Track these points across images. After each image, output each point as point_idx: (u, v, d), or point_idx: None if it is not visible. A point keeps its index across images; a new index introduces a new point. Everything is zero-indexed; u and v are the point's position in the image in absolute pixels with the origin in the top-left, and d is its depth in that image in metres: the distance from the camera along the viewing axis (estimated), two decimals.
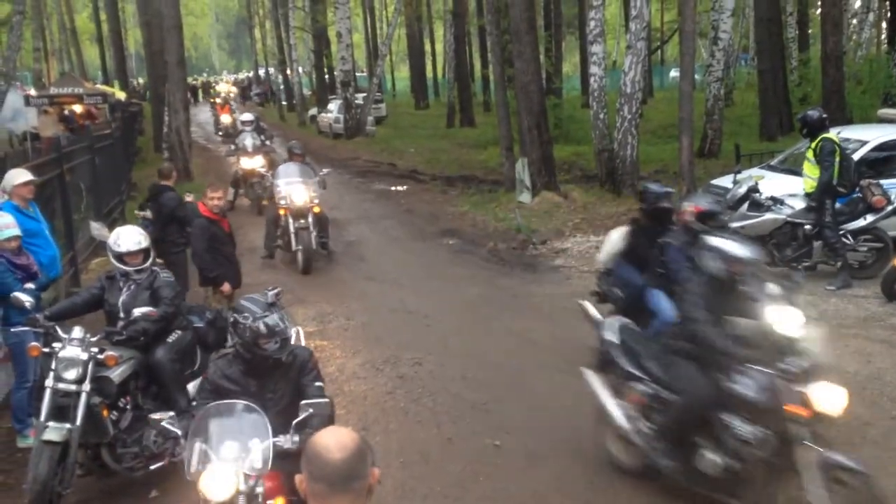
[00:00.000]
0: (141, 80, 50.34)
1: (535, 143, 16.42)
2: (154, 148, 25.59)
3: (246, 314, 4.55)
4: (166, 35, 20.40)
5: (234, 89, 47.04)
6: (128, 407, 5.66)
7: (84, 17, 54.81)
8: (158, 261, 6.39)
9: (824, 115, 10.36)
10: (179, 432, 4.40)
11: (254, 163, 16.49)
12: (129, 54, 56.55)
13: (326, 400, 4.47)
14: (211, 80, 58.60)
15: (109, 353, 5.52)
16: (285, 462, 4.09)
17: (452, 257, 12.99)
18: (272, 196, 13.16)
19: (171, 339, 5.97)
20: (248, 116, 18.43)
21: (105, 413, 5.43)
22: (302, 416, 4.28)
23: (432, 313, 9.86)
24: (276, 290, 4.80)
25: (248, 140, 16.96)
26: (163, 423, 4.43)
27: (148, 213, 9.75)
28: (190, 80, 48.41)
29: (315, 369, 4.74)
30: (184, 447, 4.28)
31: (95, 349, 5.46)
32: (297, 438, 4.18)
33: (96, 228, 10.01)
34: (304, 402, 4.34)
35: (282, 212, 11.89)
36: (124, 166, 18.98)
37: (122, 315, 5.90)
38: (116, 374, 5.53)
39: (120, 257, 6.01)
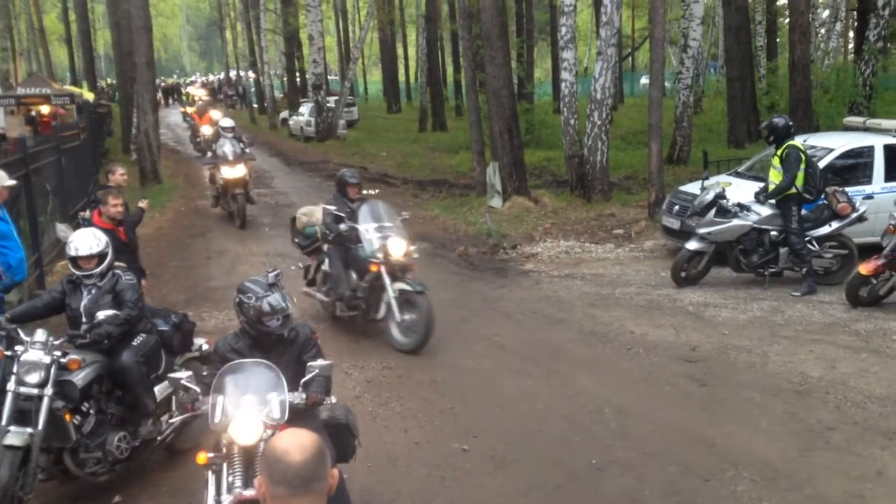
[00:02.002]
0: (110, 81, 49.85)
1: (507, 147, 16.47)
2: (122, 149, 25.39)
3: (250, 294, 4.90)
4: (135, 36, 20.21)
5: (201, 92, 46.51)
6: (91, 411, 5.58)
7: (53, 17, 54.10)
8: (120, 264, 6.29)
9: (790, 123, 10.50)
10: (199, 389, 4.68)
11: (235, 172, 15.35)
12: (99, 55, 56.04)
13: (329, 362, 4.90)
14: (181, 83, 57.90)
15: (73, 356, 5.44)
16: (294, 417, 4.49)
17: (423, 261, 12.78)
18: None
19: (136, 342, 5.92)
20: (228, 122, 16.99)
21: (68, 417, 5.36)
22: (308, 375, 4.73)
23: None
24: (276, 272, 5.06)
25: (229, 147, 15.66)
26: (182, 381, 4.72)
27: (87, 214, 9.42)
28: (160, 81, 48.09)
29: (316, 346, 5.09)
30: (203, 402, 4.60)
31: (58, 353, 5.39)
32: (304, 395, 4.60)
33: (62, 230, 9.86)
34: (309, 363, 4.83)
35: (373, 268, 8.68)
36: (92, 168, 18.78)
37: (84, 319, 5.83)
38: (79, 377, 5.45)
39: (75, 261, 5.93)
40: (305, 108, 32.41)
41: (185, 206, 18.28)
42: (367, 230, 8.77)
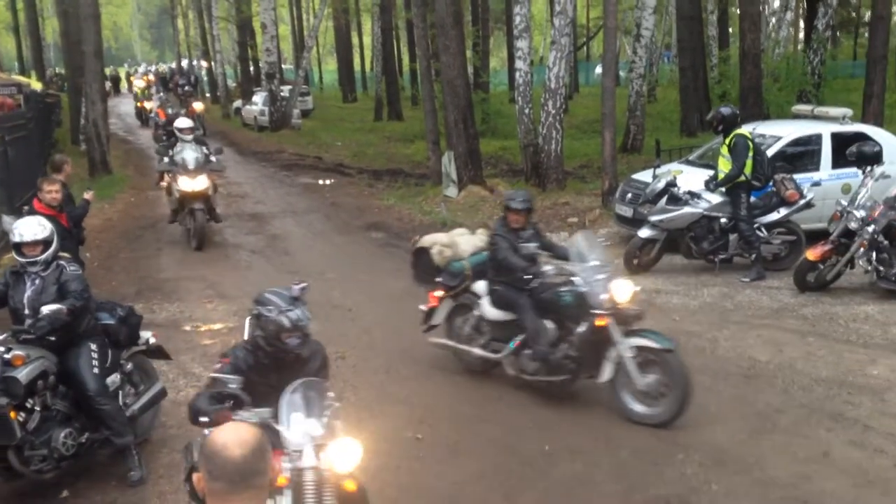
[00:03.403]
0: (59, 71, 48.83)
1: (462, 137, 16.47)
2: (71, 140, 24.91)
3: (270, 307, 4.49)
4: (83, 25, 19.80)
5: (141, 83, 45.19)
6: (36, 408, 5.43)
7: (0, 5, 52.87)
8: (64, 255, 6.15)
9: (737, 112, 10.65)
10: (248, 398, 4.32)
11: (195, 184, 12.70)
12: (47, 44, 54.86)
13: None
14: (130, 72, 56.77)
15: (16, 352, 5.31)
16: None
17: (377, 251, 12.94)
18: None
19: (94, 365, 5.71)
20: (185, 122, 14.22)
21: (12, 415, 5.22)
22: (326, 403, 4.35)
23: (356, 307, 9.81)
24: (302, 285, 4.68)
25: (189, 153, 13.13)
26: (230, 386, 4.34)
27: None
28: (110, 70, 47.27)
29: (326, 367, 4.82)
30: (245, 410, 4.25)
31: (1, 348, 5.27)
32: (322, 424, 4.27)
33: (7, 223, 9.64)
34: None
35: (600, 322, 6.66)
36: (39, 159, 18.37)
37: (27, 312, 5.68)
38: (24, 374, 5.30)
39: (18, 248, 5.77)
40: (259, 98, 32.04)
41: (135, 196, 18.00)
42: (582, 270, 6.79)
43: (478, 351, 7.43)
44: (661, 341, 6.42)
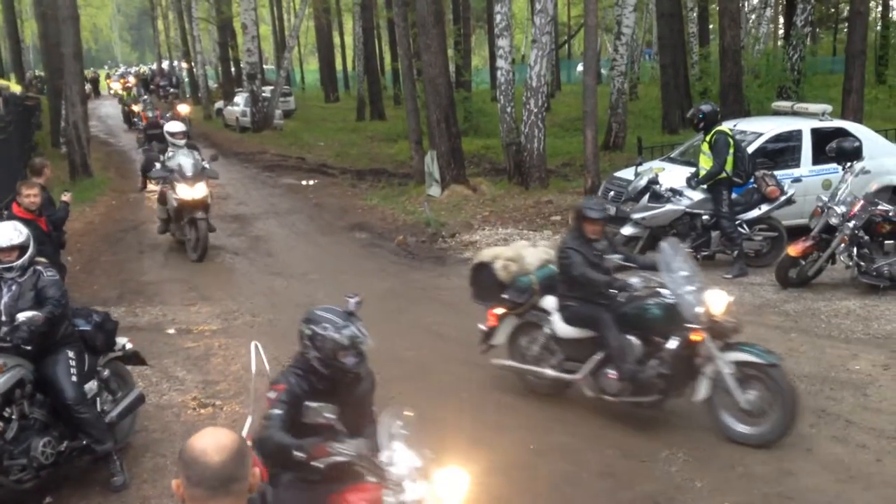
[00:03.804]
0: (38, 73, 48.43)
1: (444, 136, 16.45)
2: (52, 142, 24.73)
3: (325, 324, 4.17)
4: (62, 27, 19.64)
5: (117, 85, 44.61)
6: (13, 417, 5.35)
7: None
8: (41, 259, 6.08)
9: (717, 109, 10.71)
10: (344, 429, 4.00)
11: (195, 192, 11.87)
12: (26, 46, 54.29)
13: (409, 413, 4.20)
14: (110, 74, 56.37)
15: None
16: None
17: (361, 251, 12.91)
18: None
19: (72, 373, 5.63)
20: (177, 126, 13.36)
21: None
22: (389, 428, 4.05)
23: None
24: (356, 299, 4.44)
25: (186, 159, 12.23)
26: (326, 415, 3.94)
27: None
28: (89, 72, 46.95)
29: (374, 389, 4.55)
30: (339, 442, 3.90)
31: None
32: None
33: None
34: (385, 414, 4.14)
35: (696, 336, 6.20)
36: (19, 162, 18.21)
37: (4, 319, 5.58)
38: (0, 382, 5.24)
39: None
40: (240, 99, 31.90)
41: (116, 199, 17.87)
42: (671, 281, 6.29)
43: (550, 372, 6.86)
44: (764, 356, 6.02)
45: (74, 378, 5.64)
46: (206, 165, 12.50)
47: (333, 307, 4.34)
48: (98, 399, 5.95)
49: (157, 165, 12.70)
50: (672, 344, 6.21)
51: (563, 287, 6.78)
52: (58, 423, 5.64)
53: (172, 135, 12.87)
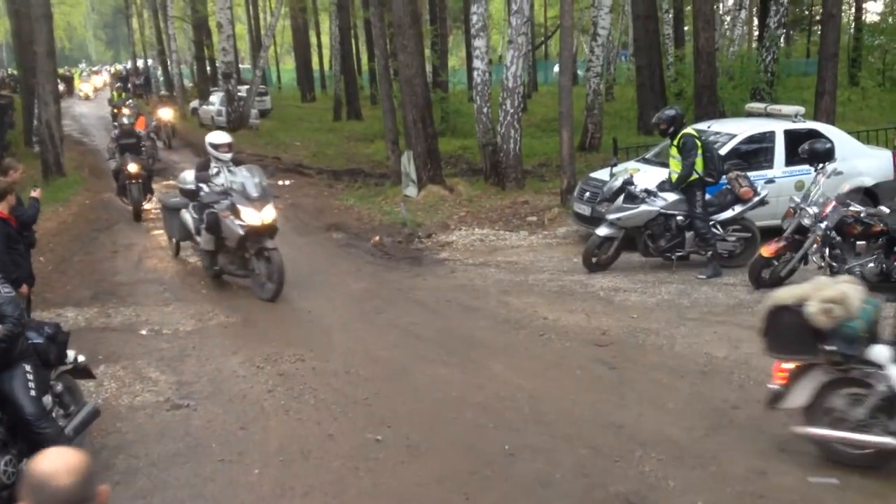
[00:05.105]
0: (12, 71, 47.84)
1: (421, 136, 16.45)
2: (25, 141, 24.49)
3: None
4: (35, 25, 19.44)
5: (88, 88, 43.84)
6: None
7: None
8: None
9: (682, 112, 10.84)
10: None
11: (264, 215, 9.94)
12: None
13: None
14: (84, 72, 55.74)
15: None
16: None
17: (337, 251, 12.88)
18: None
19: (30, 388, 5.36)
20: (222, 137, 10.95)
21: None
22: None
23: (316, 309, 9.75)
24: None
25: (247, 179, 10.17)
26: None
27: None
28: (63, 71, 46.45)
29: None
30: None
31: None
32: None
33: None
34: None
35: None
36: None
37: None
38: None
39: None
40: (216, 98, 31.68)
41: (90, 199, 17.70)
42: None
43: (887, 439, 5.39)
44: None
45: (33, 392, 5.37)
46: (264, 184, 10.39)
47: None
48: (52, 415, 5.66)
49: (204, 187, 10.37)
50: None
51: None
52: (16, 441, 5.37)
53: (216, 147, 10.72)
